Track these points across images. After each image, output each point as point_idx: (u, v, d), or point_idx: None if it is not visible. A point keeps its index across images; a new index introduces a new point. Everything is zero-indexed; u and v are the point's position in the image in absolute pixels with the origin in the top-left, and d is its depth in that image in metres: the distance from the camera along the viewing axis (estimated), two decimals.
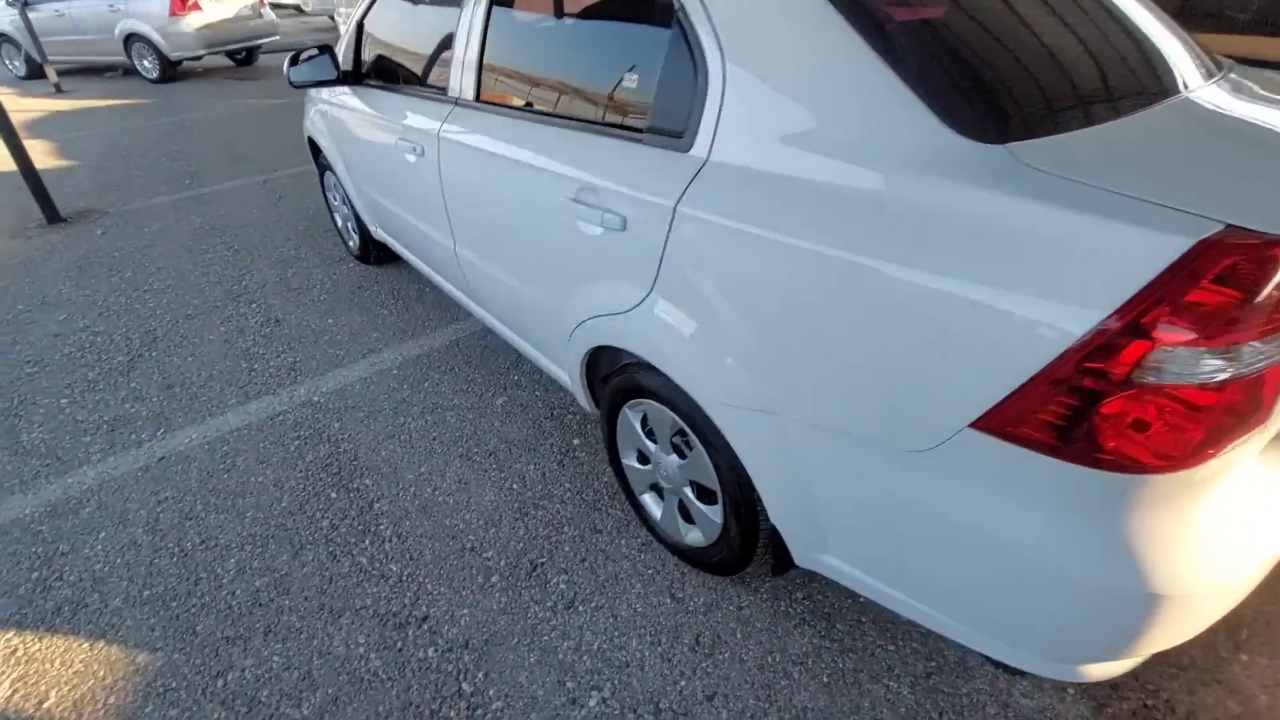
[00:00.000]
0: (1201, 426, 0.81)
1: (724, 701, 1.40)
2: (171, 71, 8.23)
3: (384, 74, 2.34)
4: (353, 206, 3.00)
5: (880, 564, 1.18)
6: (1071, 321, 0.79)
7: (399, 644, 1.54)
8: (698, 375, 1.27)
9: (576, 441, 2.15)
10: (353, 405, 2.34)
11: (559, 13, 1.56)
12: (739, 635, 1.53)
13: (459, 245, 2.03)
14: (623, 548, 1.77)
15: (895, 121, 0.96)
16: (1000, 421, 0.88)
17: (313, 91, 3.04)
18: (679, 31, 1.19)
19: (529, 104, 1.61)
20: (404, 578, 1.70)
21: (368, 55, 2.41)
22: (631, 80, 1.32)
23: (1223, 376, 0.78)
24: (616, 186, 1.31)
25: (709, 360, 1.23)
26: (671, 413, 1.45)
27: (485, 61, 1.72)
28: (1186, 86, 1.17)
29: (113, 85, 8.41)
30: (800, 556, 1.31)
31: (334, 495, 1.96)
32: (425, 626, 1.58)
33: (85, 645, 1.56)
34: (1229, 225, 0.74)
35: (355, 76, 2.43)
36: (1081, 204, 0.81)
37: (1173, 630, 0.92)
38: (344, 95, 2.50)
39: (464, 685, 1.45)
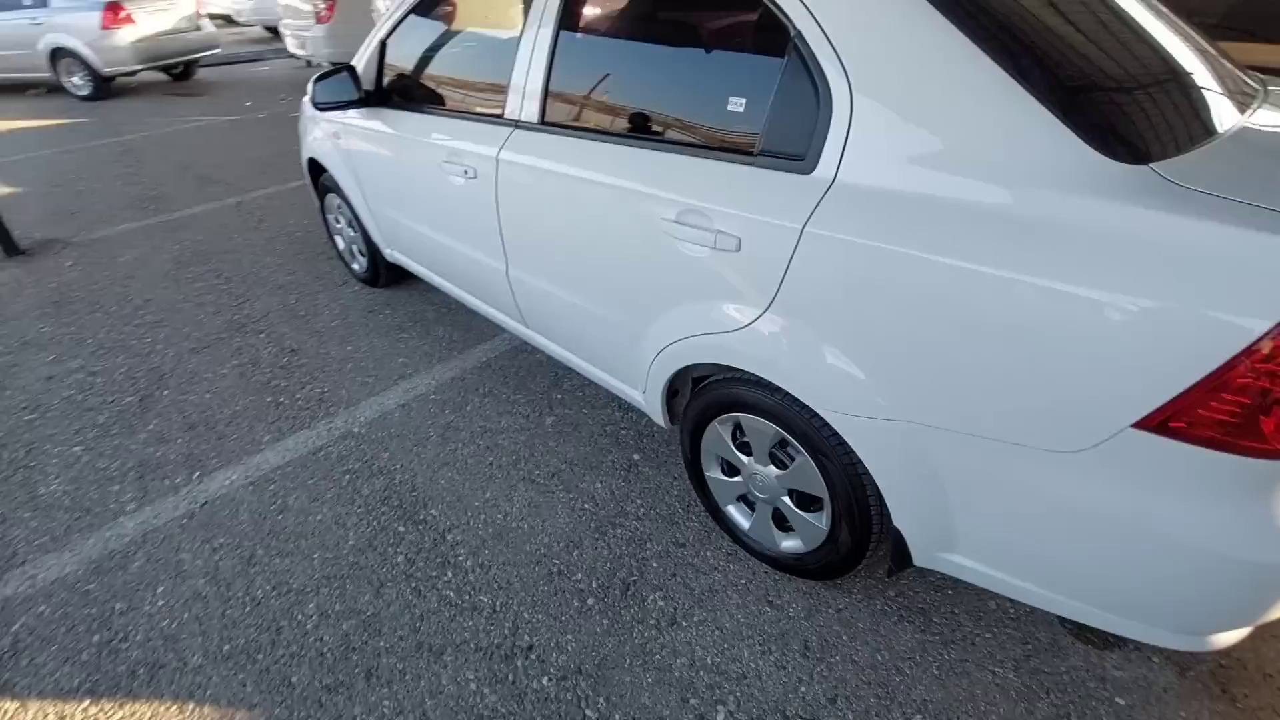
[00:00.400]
0: None
1: (847, 703, 1.45)
2: (105, 88, 7.76)
3: (413, 95, 2.30)
4: (362, 229, 2.92)
5: (1011, 558, 1.25)
6: (1245, 325, 0.86)
7: (510, 677, 1.52)
8: (821, 388, 1.31)
9: (637, 457, 2.16)
10: (397, 434, 2.28)
11: (643, 36, 1.58)
12: (845, 637, 1.58)
13: (512, 267, 2.01)
14: (710, 560, 1.79)
15: (1038, 145, 1.02)
16: (1166, 420, 0.95)
17: (312, 111, 2.95)
18: (797, 59, 1.23)
19: (611, 127, 1.62)
20: (498, 608, 1.68)
21: (391, 75, 2.35)
22: (738, 104, 1.35)
23: None
24: (729, 209, 1.33)
25: (835, 374, 1.27)
26: (774, 425, 1.49)
27: (552, 85, 1.71)
28: (1248, 106, 1.29)
29: (38, 105, 7.86)
30: (922, 557, 1.37)
31: (402, 529, 1.91)
32: (533, 656, 1.56)
33: (174, 709, 1.48)
34: None
35: (378, 97, 2.37)
36: (1238, 218, 0.89)
37: None
38: (362, 116, 2.44)
39: (588, 712, 1.45)
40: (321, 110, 2.36)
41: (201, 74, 9.36)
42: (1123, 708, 1.42)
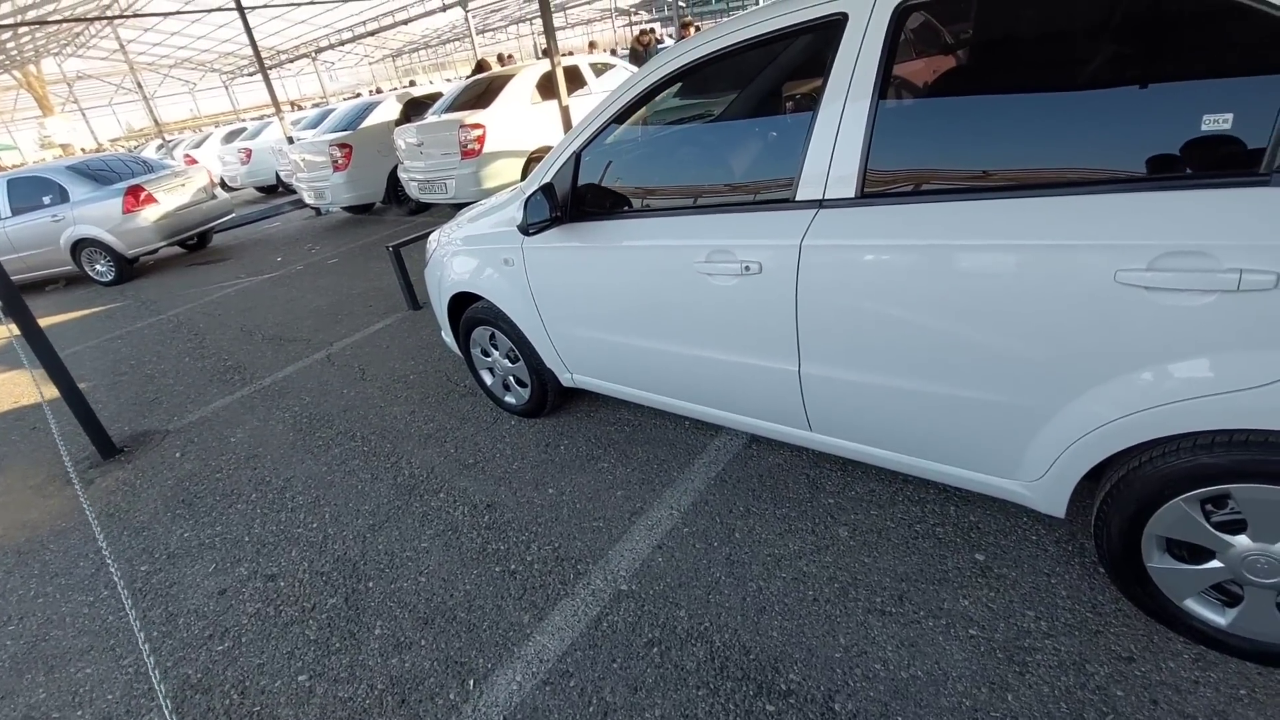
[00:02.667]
0: None
1: None
2: (128, 270, 7.64)
3: (629, 203, 2.10)
4: (528, 357, 2.66)
5: None
6: None
7: None
8: None
9: (980, 557, 1.82)
10: (678, 583, 1.93)
11: (1038, 68, 1.40)
12: None
13: (809, 364, 1.75)
14: (1180, 672, 1.44)
15: None
16: None
17: (456, 244, 2.75)
18: None
19: (995, 182, 1.40)
20: None
21: (593, 187, 2.16)
22: (1220, 120, 1.14)
23: None
24: (1253, 241, 1.09)
25: None
26: None
27: (880, 152, 1.51)
28: None
29: (62, 299, 7.68)
30: None
31: (771, 708, 1.54)
32: None
33: None
34: None
35: (574, 213, 2.17)
36: None
37: None
38: (553, 236, 2.23)
39: None
40: (534, 234, 2.14)
41: (217, 240, 9.34)
42: None
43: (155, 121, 20.61)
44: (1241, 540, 1.32)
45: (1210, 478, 1.28)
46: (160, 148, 17.12)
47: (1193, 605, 1.45)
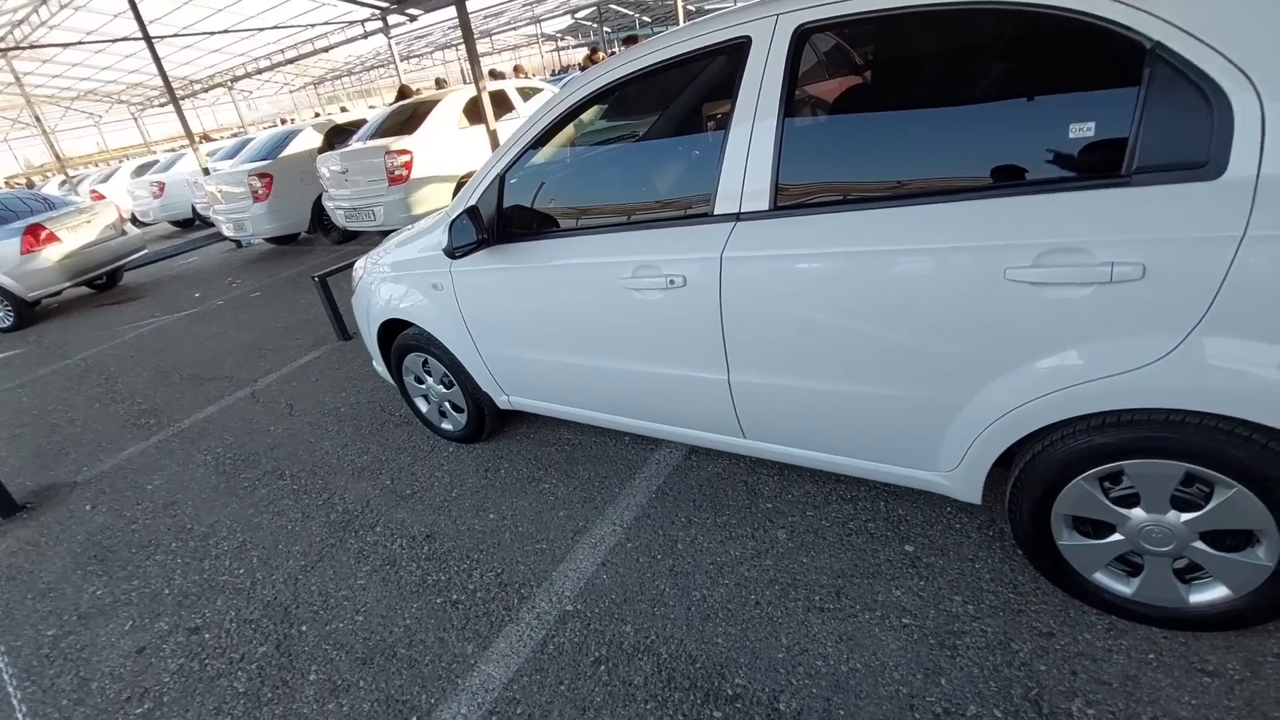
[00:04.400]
0: None
1: None
2: (29, 314, 7.12)
3: (555, 223, 2.11)
4: (464, 382, 2.62)
5: None
6: None
7: None
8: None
9: (910, 548, 1.90)
10: (622, 600, 1.93)
11: (926, 84, 1.49)
12: None
13: (737, 373, 1.79)
14: (1094, 642, 1.53)
15: None
16: None
17: (384, 268, 2.70)
18: (1167, 70, 1.15)
19: (905, 191, 1.48)
20: None
21: (518, 209, 2.16)
22: (1084, 129, 1.24)
23: None
24: (1117, 237, 1.20)
25: None
26: (1186, 465, 1.30)
27: (789, 168, 1.57)
28: None
29: None
30: None
31: (718, 714, 1.55)
32: None
33: None
34: None
35: (502, 234, 2.16)
36: None
37: None
38: (482, 259, 2.22)
39: None
40: (459, 257, 2.12)
41: (128, 278, 8.82)
42: None
43: (57, 157, 19.38)
44: (1137, 513, 1.42)
45: (1105, 456, 1.38)
46: (63, 184, 16.08)
47: (1101, 578, 1.55)
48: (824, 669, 1.60)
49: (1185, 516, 1.37)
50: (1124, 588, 1.52)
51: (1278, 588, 1.33)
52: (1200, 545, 1.38)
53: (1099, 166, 1.25)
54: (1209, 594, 1.43)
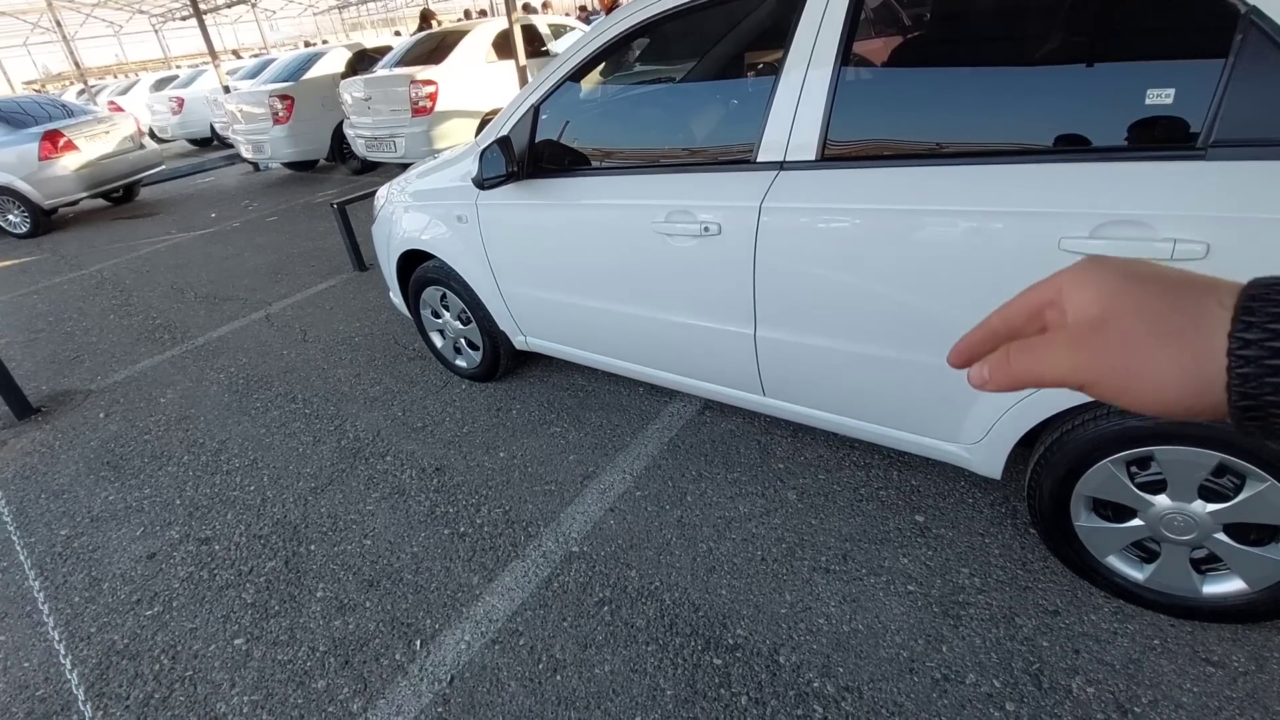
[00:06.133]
0: None
1: None
2: (45, 222, 7.10)
3: (588, 160, 2.05)
4: (480, 319, 2.59)
5: None
6: None
7: None
8: None
9: (920, 518, 1.89)
10: (628, 545, 1.94)
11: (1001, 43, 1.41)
12: None
13: (765, 329, 1.76)
14: (1100, 624, 1.53)
15: None
16: None
17: (406, 197, 2.65)
18: (1260, 38, 1.07)
19: (961, 149, 1.41)
20: None
21: (551, 143, 2.09)
22: (1163, 95, 1.17)
23: None
24: (1188, 212, 1.14)
25: None
26: (1221, 455, 1.27)
27: (842, 117, 1.50)
28: None
29: None
30: None
31: (719, 661, 1.57)
32: None
33: None
34: None
35: (530, 169, 2.10)
36: None
37: None
38: (510, 193, 2.16)
39: None
40: (489, 188, 2.06)
41: (145, 193, 8.76)
42: None
43: (76, 65, 19.04)
44: (1162, 500, 1.40)
45: (1136, 440, 1.35)
46: (81, 93, 15.85)
47: (1114, 562, 1.54)
48: (825, 627, 1.61)
49: (1211, 507, 1.34)
50: (1136, 573, 1.51)
51: None
52: (1222, 537, 1.37)
53: (1172, 137, 1.18)
54: (1224, 586, 1.42)
